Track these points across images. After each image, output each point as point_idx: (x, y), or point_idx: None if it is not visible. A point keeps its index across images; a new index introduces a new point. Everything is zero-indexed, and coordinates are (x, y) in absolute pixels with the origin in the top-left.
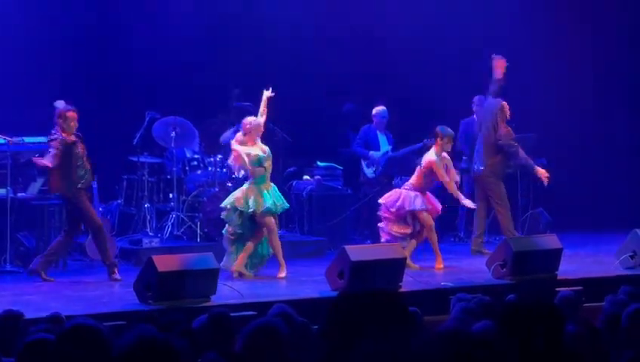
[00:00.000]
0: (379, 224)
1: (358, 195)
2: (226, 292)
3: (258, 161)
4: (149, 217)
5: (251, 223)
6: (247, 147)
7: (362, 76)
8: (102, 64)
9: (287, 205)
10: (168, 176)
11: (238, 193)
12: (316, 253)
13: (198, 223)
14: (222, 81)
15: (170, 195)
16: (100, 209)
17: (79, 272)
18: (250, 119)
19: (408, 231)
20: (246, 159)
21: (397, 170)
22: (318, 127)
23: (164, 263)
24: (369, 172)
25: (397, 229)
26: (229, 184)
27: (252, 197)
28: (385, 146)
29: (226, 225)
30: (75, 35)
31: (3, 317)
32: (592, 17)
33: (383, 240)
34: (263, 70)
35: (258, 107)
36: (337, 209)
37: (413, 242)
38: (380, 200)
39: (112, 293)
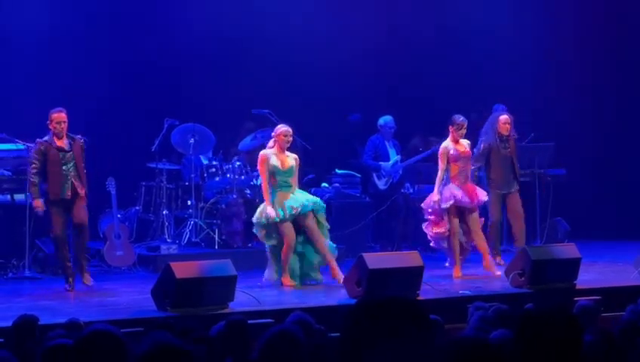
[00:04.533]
0: (422, 225)
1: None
2: (244, 300)
3: (274, 171)
4: (167, 224)
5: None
6: (272, 154)
7: (370, 85)
8: (121, 71)
9: (312, 203)
10: (186, 183)
11: (261, 206)
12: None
13: (216, 230)
14: (240, 89)
15: (189, 202)
16: (119, 215)
17: (97, 278)
18: (278, 127)
19: (446, 230)
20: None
21: (412, 179)
22: (337, 135)
23: (182, 270)
24: (380, 183)
25: (436, 230)
26: (247, 191)
27: (266, 209)
28: (394, 156)
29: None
30: (94, 42)
31: (19, 322)
32: (615, 27)
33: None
34: (283, 76)
35: (276, 114)
36: (356, 217)
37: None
38: (423, 204)
39: (130, 300)
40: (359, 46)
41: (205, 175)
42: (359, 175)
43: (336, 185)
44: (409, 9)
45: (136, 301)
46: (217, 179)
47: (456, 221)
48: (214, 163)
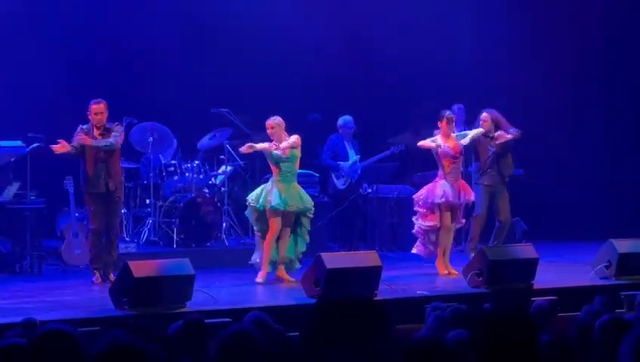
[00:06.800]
0: (413, 218)
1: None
2: (202, 299)
3: (273, 159)
4: (125, 222)
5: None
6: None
7: (329, 85)
8: (80, 69)
9: (304, 206)
10: (145, 182)
11: (258, 190)
12: None
13: (175, 229)
14: (201, 88)
15: (147, 201)
16: (77, 214)
17: (54, 277)
18: (269, 120)
19: (436, 223)
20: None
21: (371, 179)
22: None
23: (140, 269)
24: (339, 183)
25: (428, 222)
26: (206, 190)
27: (263, 194)
28: (353, 156)
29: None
30: (51, 38)
31: None
32: (579, 28)
33: (414, 230)
34: (242, 75)
35: (236, 114)
36: (314, 216)
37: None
38: (414, 196)
39: (88, 299)
40: (319, 46)
41: (164, 174)
42: (318, 174)
43: None
44: (369, 8)
45: (94, 300)
46: (176, 178)
47: (448, 215)
48: (173, 162)
